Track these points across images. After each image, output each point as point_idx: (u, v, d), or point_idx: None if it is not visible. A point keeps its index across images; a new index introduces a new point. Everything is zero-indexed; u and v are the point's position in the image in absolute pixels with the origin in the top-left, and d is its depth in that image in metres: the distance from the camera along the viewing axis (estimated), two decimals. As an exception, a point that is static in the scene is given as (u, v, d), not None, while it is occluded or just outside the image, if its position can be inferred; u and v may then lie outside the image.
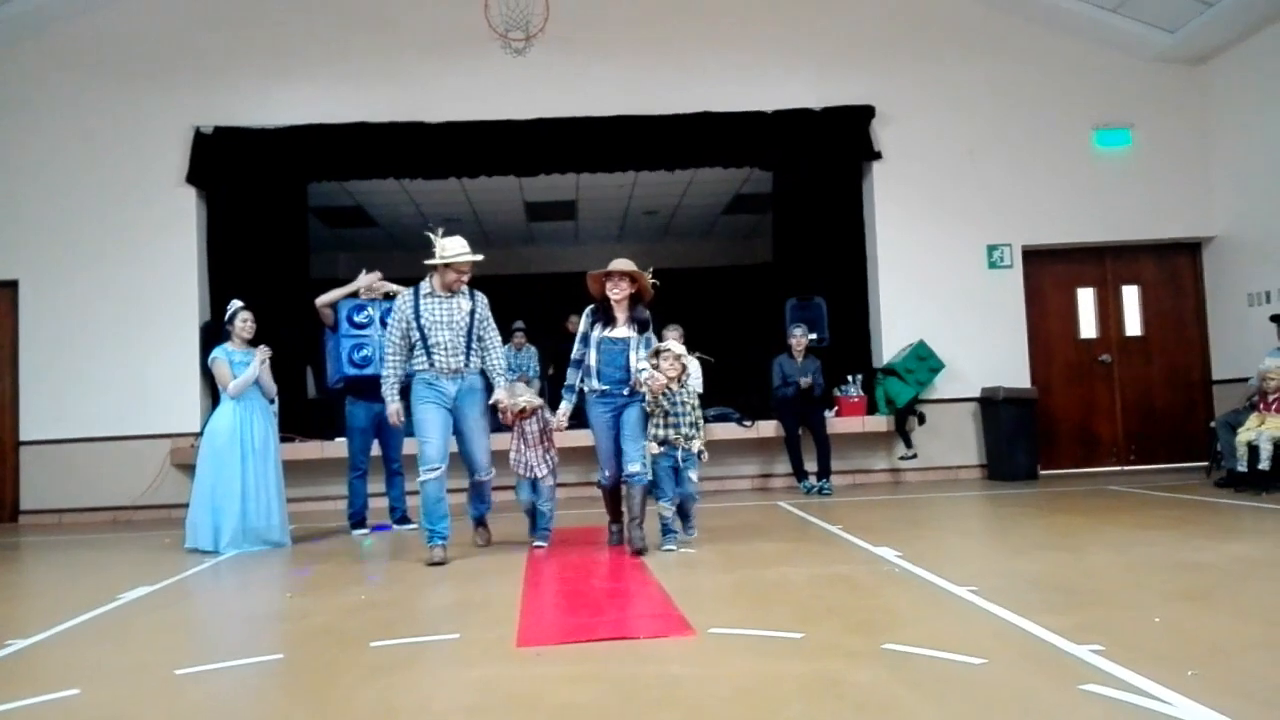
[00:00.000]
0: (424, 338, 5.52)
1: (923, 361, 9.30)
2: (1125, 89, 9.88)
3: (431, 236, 5.59)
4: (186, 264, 9.24)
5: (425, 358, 5.52)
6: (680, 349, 5.60)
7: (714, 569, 4.93)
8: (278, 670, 3.33)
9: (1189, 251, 10.04)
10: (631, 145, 9.58)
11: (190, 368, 9.09)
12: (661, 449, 5.51)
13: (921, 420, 9.31)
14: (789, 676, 2.94)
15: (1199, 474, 8.76)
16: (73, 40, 9.40)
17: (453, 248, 5.55)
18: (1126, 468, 9.77)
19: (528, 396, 5.82)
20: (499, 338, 5.76)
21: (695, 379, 5.51)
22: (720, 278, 14.08)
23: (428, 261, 5.56)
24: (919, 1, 9.88)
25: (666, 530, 5.55)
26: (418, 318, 5.54)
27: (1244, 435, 7.59)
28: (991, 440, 9.37)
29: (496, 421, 5.82)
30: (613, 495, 5.76)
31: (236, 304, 6.62)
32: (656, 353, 5.56)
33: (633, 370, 5.50)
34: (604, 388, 5.57)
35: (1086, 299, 10.04)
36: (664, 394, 5.45)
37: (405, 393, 5.71)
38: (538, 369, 10.69)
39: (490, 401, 5.70)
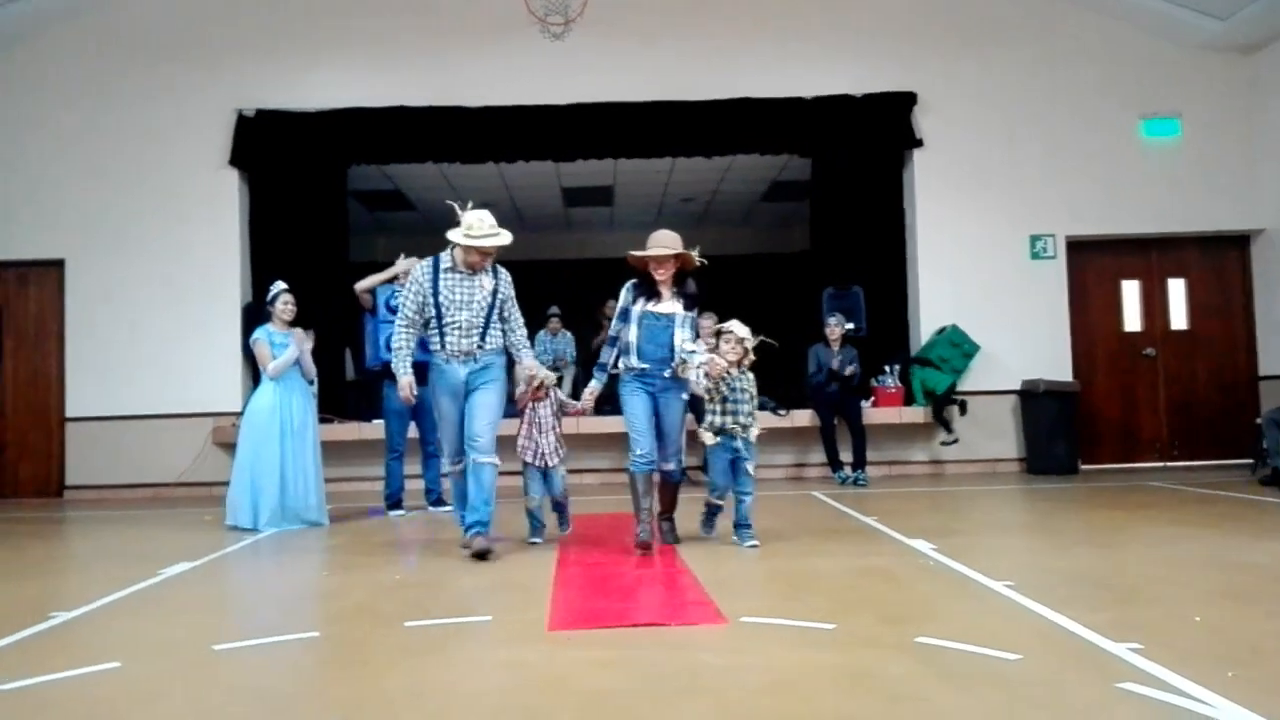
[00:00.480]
0: (439, 316, 5.10)
1: (956, 348, 9.19)
2: (1174, 77, 9.67)
3: (456, 209, 5.16)
4: (229, 245, 9.36)
5: (438, 337, 5.13)
6: (743, 330, 5.20)
7: (747, 558, 4.92)
8: (313, 648, 3.37)
9: (1237, 244, 9.83)
10: (669, 131, 9.54)
11: (232, 348, 9.21)
12: (718, 439, 5.13)
13: (963, 410, 9.17)
14: (821, 667, 2.93)
15: (1243, 472, 8.59)
16: (116, 24, 9.52)
17: (480, 227, 5.05)
18: (1169, 464, 9.61)
19: (546, 372, 5.50)
20: (521, 316, 5.34)
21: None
22: (757, 265, 13.99)
23: (451, 235, 5.09)
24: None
25: (711, 517, 5.37)
26: (435, 294, 5.10)
27: (1291, 433, 7.43)
28: (1031, 433, 9.24)
29: (510, 409, 5.51)
30: (648, 481, 5.17)
31: (279, 285, 6.68)
32: (717, 333, 5.25)
33: (677, 350, 5.07)
34: (643, 366, 5.14)
35: (1131, 291, 9.86)
36: (723, 378, 5.07)
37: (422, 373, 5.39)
38: (574, 354, 10.71)
39: (519, 377, 5.35)
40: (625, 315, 5.22)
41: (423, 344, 5.30)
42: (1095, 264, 9.80)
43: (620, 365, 5.23)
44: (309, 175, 9.56)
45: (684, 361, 5.06)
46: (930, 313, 9.50)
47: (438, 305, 5.09)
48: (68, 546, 6.56)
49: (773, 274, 13.62)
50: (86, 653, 3.29)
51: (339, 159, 9.70)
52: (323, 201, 9.62)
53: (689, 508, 5.56)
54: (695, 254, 5.18)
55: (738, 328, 5.20)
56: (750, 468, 5.19)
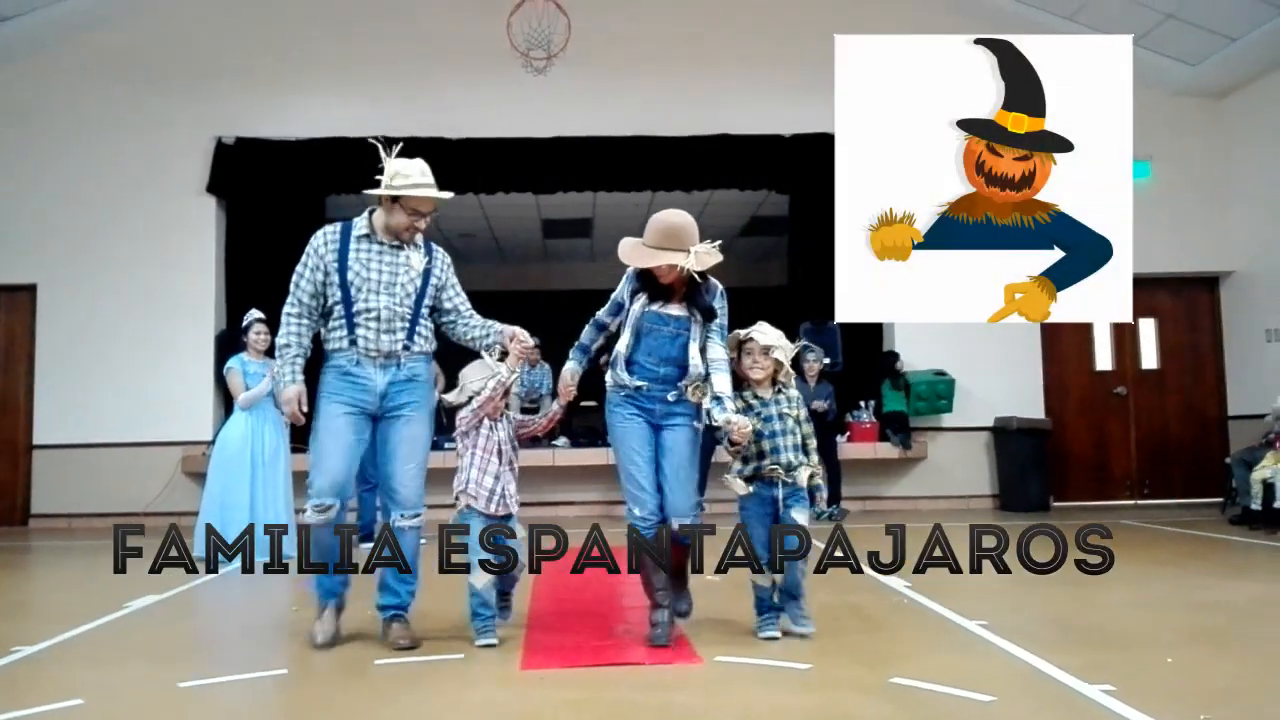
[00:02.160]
0: (346, 300, 3.76)
1: (938, 396, 9.20)
2: (1145, 121, 9.73)
3: (381, 150, 3.95)
4: (205, 273, 9.30)
5: (344, 330, 3.78)
6: (772, 335, 3.86)
7: (722, 595, 4.89)
8: (280, 686, 3.32)
9: (1207, 286, 9.98)
10: (649, 165, 9.61)
11: (205, 376, 9.12)
12: (751, 487, 3.77)
13: (904, 445, 9.20)
14: (795, 709, 2.91)
15: (1213, 510, 8.67)
16: (96, 50, 9.49)
17: (408, 173, 3.83)
18: (1140, 502, 9.68)
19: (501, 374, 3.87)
20: (467, 301, 4.06)
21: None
22: (735, 299, 13.71)
23: (370, 192, 3.91)
24: (939, 29, 9.85)
25: (764, 606, 3.84)
26: (342, 270, 3.79)
27: (1259, 473, 7.51)
28: (1004, 470, 9.30)
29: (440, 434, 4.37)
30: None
31: (254, 315, 6.64)
32: (739, 344, 3.85)
33: (692, 365, 3.76)
34: (639, 384, 3.76)
35: (1103, 331, 9.98)
36: (754, 400, 3.81)
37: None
38: (550, 385, 10.68)
39: (466, 381, 3.89)
40: (619, 309, 3.92)
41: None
42: (1068, 303, 9.89)
43: (607, 377, 3.89)
44: (287, 204, 9.52)
45: (697, 385, 3.77)
46: (905, 349, 9.55)
47: (345, 286, 3.78)
48: (32, 577, 6.44)
49: (750, 308, 13.48)
50: (49, 689, 3.22)
51: (318, 188, 9.68)
52: (300, 231, 9.41)
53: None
54: (712, 248, 3.82)
55: (763, 334, 3.88)
56: (801, 517, 3.79)
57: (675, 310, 3.82)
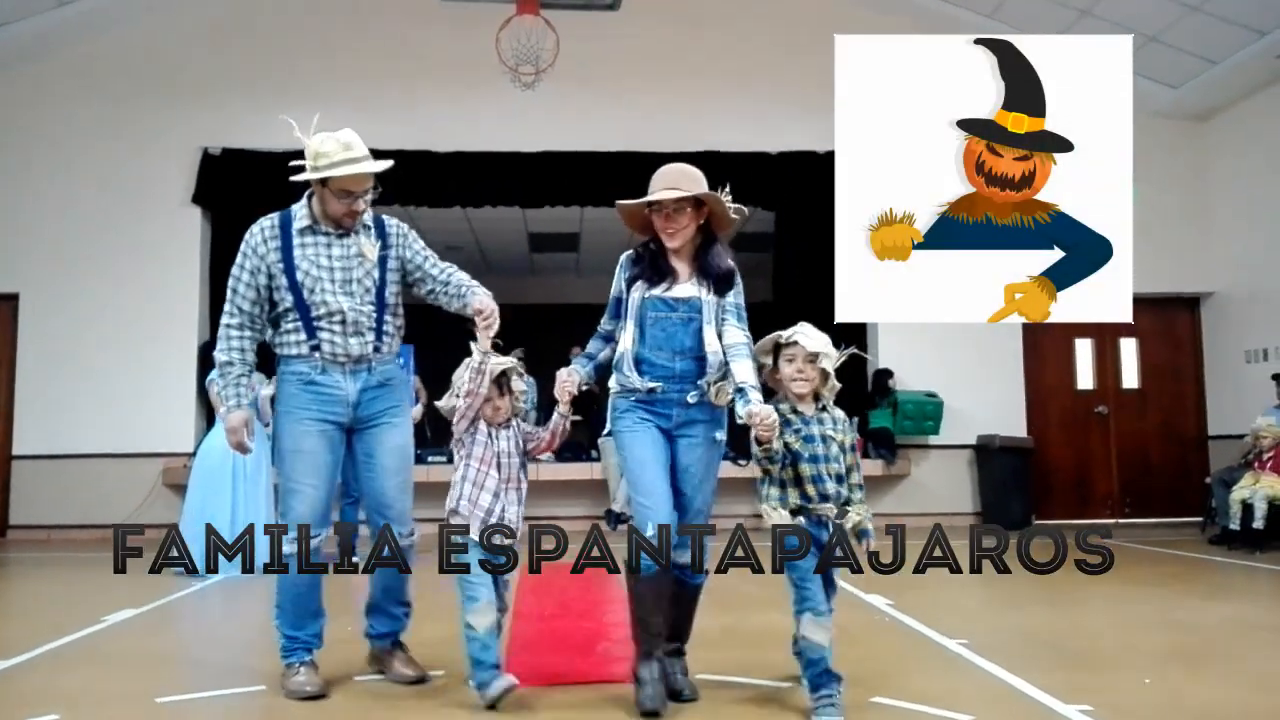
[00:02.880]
0: (300, 304, 3.30)
1: (926, 418, 9.21)
2: (1127, 143, 9.94)
3: (294, 129, 3.56)
4: (188, 284, 9.27)
5: (302, 335, 3.32)
6: (819, 341, 3.16)
7: (703, 613, 4.86)
8: (258, 703, 3.30)
9: (1188, 306, 10.08)
10: (636, 181, 9.54)
11: (187, 388, 9.07)
12: (792, 521, 3.05)
13: (888, 461, 9.27)
14: (776, 728, 2.91)
15: (1193, 529, 8.73)
16: (82, 61, 9.46)
17: (327, 150, 3.34)
18: (1121, 520, 9.74)
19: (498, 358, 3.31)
20: (440, 263, 3.57)
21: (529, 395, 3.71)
22: None
23: (296, 178, 3.44)
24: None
25: (818, 681, 2.99)
26: (289, 269, 3.31)
27: (1238, 493, 7.56)
28: (986, 489, 9.35)
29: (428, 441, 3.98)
30: (659, 586, 3.09)
31: (236, 326, 6.60)
32: (776, 348, 3.18)
33: (710, 354, 3.16)
34: (651, 385, 3.15)
35: (1084, 350, 10.06)
36: (793, 414, 3.10)
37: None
38: (535, 399, 10.66)
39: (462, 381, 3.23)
40: (618, 306, 3.35)
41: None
42: (1049, 322, 9.96)
43: (613, 381, 3.28)
44: (273, 215, 9.50)
45: (721, 386, 3.15)
46: (891, 367, 9.60)
47: (296, 287, 3.31)
48: (9, 590, 6.38)
49: (735, 324, 13.69)
50: (25, 704, 3.19)
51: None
52: (286, 241, 9.55)
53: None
54: (727, 198, 3.37)
55: (809, 338, 3.16)
56: (817, 633, 2.99)
57: (683, 291, 3.23)
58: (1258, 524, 7.37)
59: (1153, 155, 9.87)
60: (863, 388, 9.70)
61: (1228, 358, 9.64)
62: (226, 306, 3.39)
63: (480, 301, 3.37)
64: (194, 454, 7.23)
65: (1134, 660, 3.83)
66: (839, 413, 3.22)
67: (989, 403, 9.54)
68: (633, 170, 9.46)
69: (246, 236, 3.41)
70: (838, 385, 3.18)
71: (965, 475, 9.56)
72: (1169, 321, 10.09)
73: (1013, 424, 9.50)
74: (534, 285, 14.66)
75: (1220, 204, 9.74)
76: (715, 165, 9.89)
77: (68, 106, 9.39)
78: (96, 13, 9.33)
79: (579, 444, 9.93)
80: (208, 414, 8.17)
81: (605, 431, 3.35)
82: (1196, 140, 9.92)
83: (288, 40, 9.65)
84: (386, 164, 3.39)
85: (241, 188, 9.33)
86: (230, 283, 3.39)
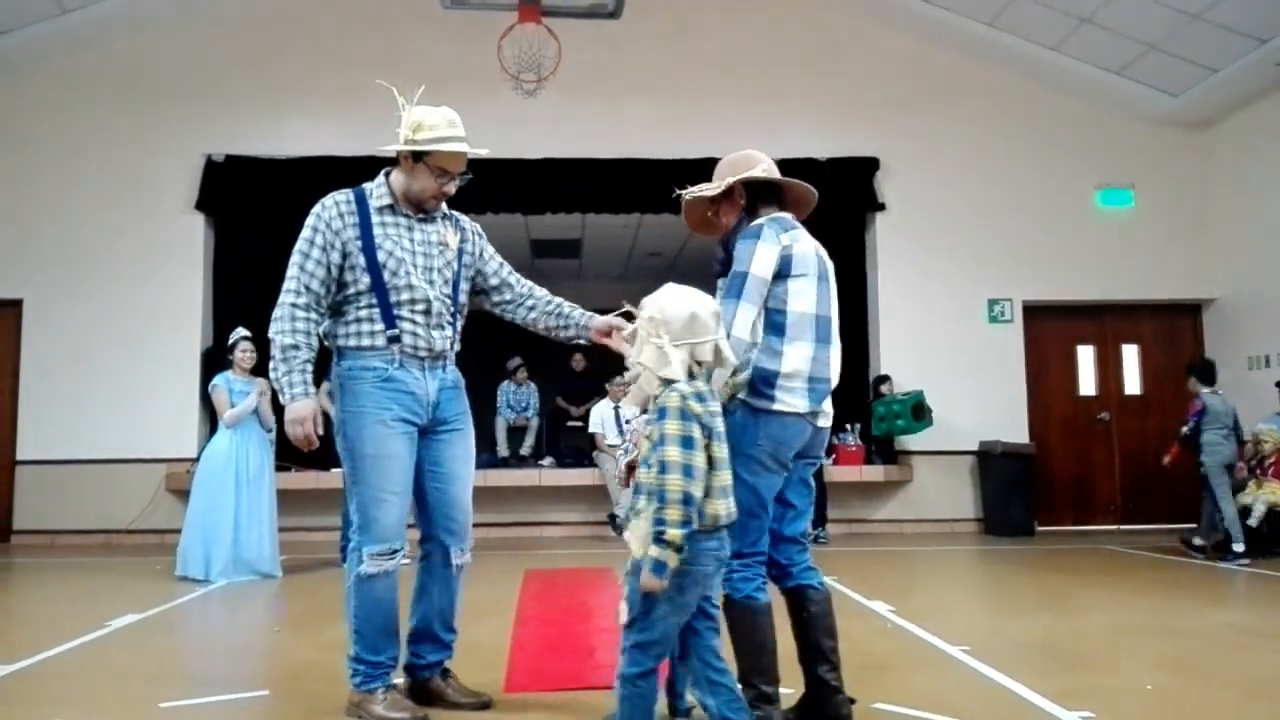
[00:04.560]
0: (379, 287, 3.04)
1: (895, 416, 9.08)
2: (1128, 150, 9.97)
3: (397, 97, 3.28)
4: (191, 290, 9.29)
5: (378, 325, 3.05)
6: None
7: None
8: (261, 708, 3.31)
9: (1189, 313, 10.08)
10: (638, 188, 9.65)
11: (190, 393, 9.09)
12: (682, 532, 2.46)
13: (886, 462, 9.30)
14: (777, 733, 2.91)
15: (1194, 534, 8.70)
16: (87, 68, 9.49)
17: (433, 123, 3.13)
18: (1123, 526, 9.73)
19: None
20: (515, 271, 3.51)
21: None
22: None
23: (387, 149, 3.21)
24: (924, 59, 9.99)
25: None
26: (369, 248, 3.05)
27: (1239, 500, 7.57)
28: (988, 494, 9.34)
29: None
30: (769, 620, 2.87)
31: (240, 332, 6.64)
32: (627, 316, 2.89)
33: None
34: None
35: (1086, 356, 10.06)
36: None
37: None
38: (538, 405, 10.69)
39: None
40: (784, 274, 2.96)
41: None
42: (1051, 328, 9.99)
43: (767, 400, 2.89)
44: (276, 222, 9.47)
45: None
46: (890, 372, 9.61)
47: (376, 268, 3.04)
48: (12, 594, 6.39)
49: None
50: (29, 709, 3.21)
51: (307, 207, 9.64)
52: (288, 249, 9.54)
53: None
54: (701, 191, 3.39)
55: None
56: (717, 595, 2.72)
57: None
58: (1252, 522, 7.38)
59: (1154, 163, 9.94)
60: (864, 394, 9.71)
61: (1230, 364, 9.62)
62: (289, 285, 3.06)
63: (604, 319, 3.23)
64: (197, 459, 7.25)
65: (1134, 666, 3.84)
66: (720, 375, 2.87)
67: (991, 409, 9.54)
68: (634, 177, 9.60)
69: (317, 209, 3.13)
70: (643, 364, 2.59)
71: (967, 481, 9.56)
72: (1171, 328, 10.09)
73: (1015, 430, 9.49)
74: (536, 291, 14.67)
75: (1222, 211, 9.75)
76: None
77: (71, 113, 9.42)
78: (99, 20, 9.36)
79: (579, 449, 9.95)
80: (211, 420, 8.17)
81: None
82: (1197, 148, 9.93)
83: (291, 47, 9.68)
84: (486, 151, 3.21)
85: (245, 194, 9.37)
86: (296, 259, 3.09)
